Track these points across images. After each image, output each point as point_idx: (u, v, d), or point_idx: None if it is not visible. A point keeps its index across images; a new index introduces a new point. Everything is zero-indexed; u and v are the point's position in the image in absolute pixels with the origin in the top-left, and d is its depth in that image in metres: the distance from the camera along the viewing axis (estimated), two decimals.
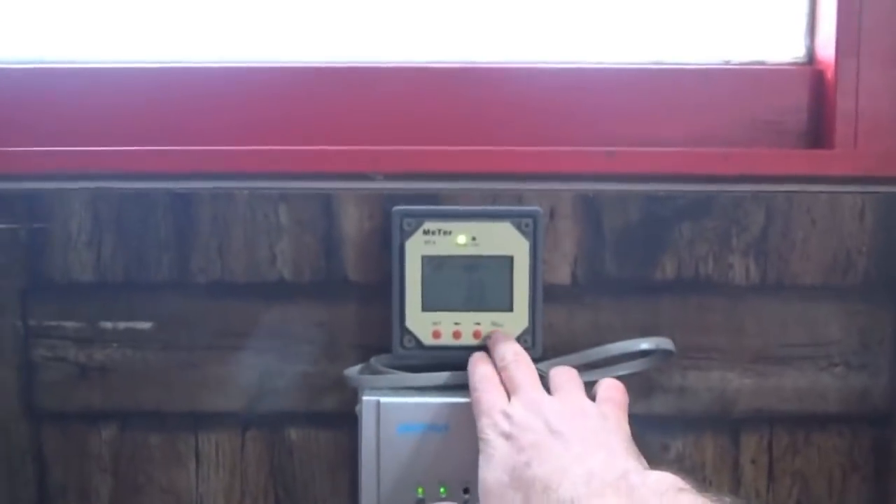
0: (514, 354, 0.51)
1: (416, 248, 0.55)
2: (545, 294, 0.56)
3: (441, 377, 0.53)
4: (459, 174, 0.60)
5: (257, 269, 0.59)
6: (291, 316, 0.59)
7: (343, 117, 0.62)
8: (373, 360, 0.57)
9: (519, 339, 0.55)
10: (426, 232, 0.55)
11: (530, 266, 0.55)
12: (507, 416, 0.47)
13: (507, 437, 0.45)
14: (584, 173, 0.60)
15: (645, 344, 0.54)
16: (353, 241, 0.59)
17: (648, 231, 0.59)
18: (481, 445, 0.47)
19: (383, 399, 0.52)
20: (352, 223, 0.59)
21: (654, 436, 0.59)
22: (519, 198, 0.59)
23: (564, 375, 0.51)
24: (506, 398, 0.48)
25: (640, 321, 0.59)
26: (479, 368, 0.51)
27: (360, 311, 0.59)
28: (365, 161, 0.60)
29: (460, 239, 0.55)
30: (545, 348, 0.56)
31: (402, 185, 0.59)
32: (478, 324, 0.55)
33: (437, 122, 0.62)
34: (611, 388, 0.50)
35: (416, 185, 0.60)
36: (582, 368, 0.56)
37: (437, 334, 0.55)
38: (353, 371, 0.56)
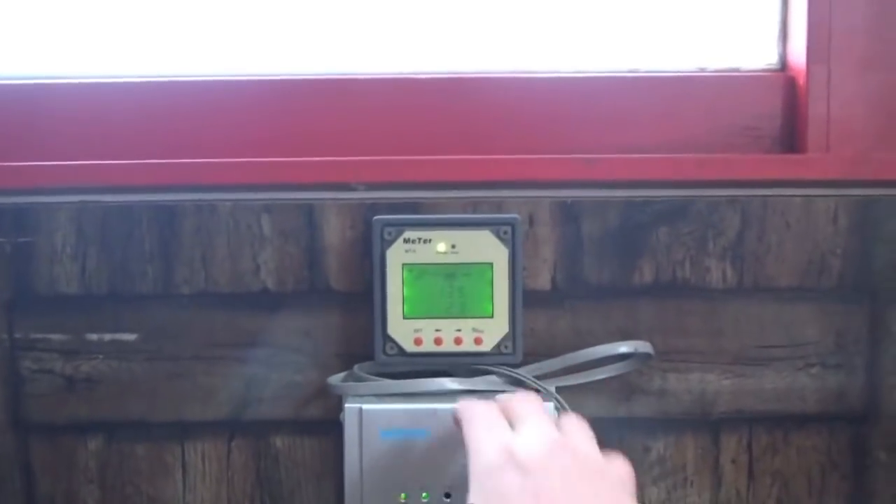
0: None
1: (397, 257, 0.56)
2: (526, 300, 0.57)
3: (423, 384, 0.54)
4: (439, 183, 0.61)
5: (241, 280, 0.60)
6: (275, 325, 0.60)
7: (324, 129, 0.63)
8: (356, 367, 0.57)
9: (500, 345, 0.56)
10: (407, 241, 0.56)
11: (510, 272, 0.56)
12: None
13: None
14: (564, 181, 0.60)
15: (624, 347, 0.55)
16: (336, 250, 0.60)
17: (627, 236, 0.60)
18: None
19: (365, 406, 0.52)
20: (334, 233, 0.60)
21: (635, 438, 0.60)
22: (499, 205, 0.60)
23: (529, 406, 0.46)
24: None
25: (620, 325, 0.59)
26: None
27: (344, 319, 0.60)
28: (347, 171, 0.60)
29: (440, 247, 0.56)
30: (526, 353, 0.57)
31: (384, 195, 0.60)
32: (459, 330, 0.56)
33: (417, 133, 0.63)
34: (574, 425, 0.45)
35: (397, 195, 0.60)
36: (563, 372, 0.57)
37: (418, 341, 0.56)
38: (336, 379, 0.57)
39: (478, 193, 0.60)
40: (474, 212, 0.60)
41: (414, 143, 0.63)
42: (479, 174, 0.60)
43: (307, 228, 0.60)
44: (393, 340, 0.56)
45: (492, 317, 0.56)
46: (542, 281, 0.60)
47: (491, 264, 0.56)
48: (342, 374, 0.58)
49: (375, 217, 0.56)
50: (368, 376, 0.55)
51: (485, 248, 0.56)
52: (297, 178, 0.61)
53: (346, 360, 0.59)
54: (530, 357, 0.57)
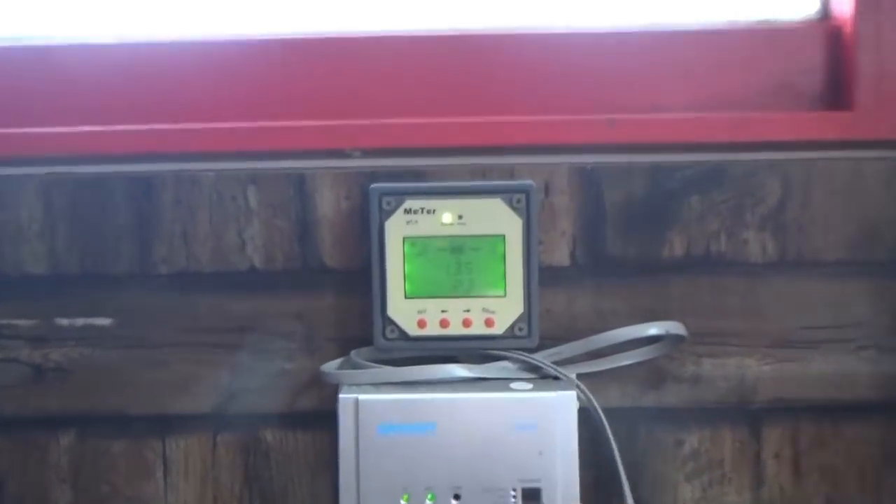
0: None
1: (398, 229, 0.50)
2: (542, 277, 0.51)
3: (428, 371, 0.48)
4: (445, 149, 0.55)
5: (226, 258, 0.54)
6: (264, 308, 0.54)
7: (317, 91, 0.57)
8: (353, 353, 0.52)
9: (513, 327, 0.50)
10: (408, 211, 0.50)
11: (524, 246, 0.50)
12: None
13: None
14: (583, 144, 0.54)
15: (654, 329, 0.49)
16: (330, 223, 0.54)
17: (654, 206, 0.53)
18: None
19: (362, 396, 0.47)
20: (328, 204, 0.54)
21: (666, 430, 0.53)
22: (510, 172, 0.54)
23: None
24: None
25: (648, 305, 0.53)
26: None
27: (339, 300, 0.54)
28: (341, 137, 0.54)
29: (445, 218, 0.50)
30: (543, 336, 0.51)
31: (383, 163, 0.54)
32: (467, 311, 0.50)
33: (421, 94, 0.57)
34: None
35: (398, 162, 0.54)
36: (585, 357, 0.51)
37: (422, 323, 0.50)
38: (331, 366, 0.51)
39: (487, 160, 0.54)
40: (483, 179, 0.54)
41: (416, 106, 0.57)
42: (488, 138, 0.54)
43: (298, 200, 0.54)
44: (394, 323, 0.50)
45: (504, 296, 0.50)
46: (560, 256, 0.53)
47: (503, 237, 0.50)
48: (338, 361, 0.52)
49: (373, 185, 0.50)
50: (367, 363, 0.50)
51: (496, 218, 0.50)
52: (286, 145, 0.55)
53: (343, 346, 0.53)
54: (547, 341, 0.51)
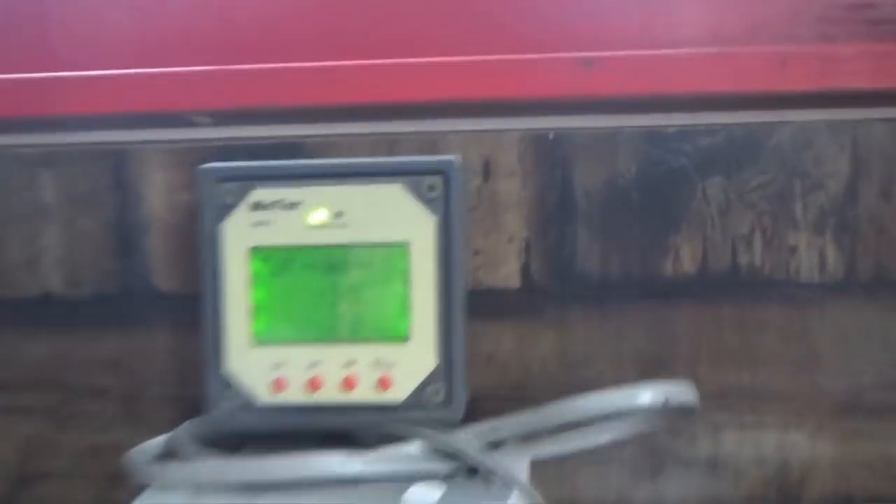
0: None
1: (241, 234, 0.32)
2: (477, 307, 0.33)
3: (281, 465, 0.30)
4: (335, 109, 0.36)
5: (8, 279, 0.36)
6: (64, 353, 0.36)
7: (134, 26, 0.39)
8: (183, 427, 0.33)
9: (423, 389, 0.31)
10: (257, 206, 0.32)
11: (439, 259, 0.31)
12: None
13: None
14: (544, 99, 0.36)
15: (646, 395, 0.31)
16: (163, 226, 0.36)
17: (652, 194, 0.35)
18: None
19: None
20: (159, 197, 0.36)
21: None
22: (433, 145, 0.35)
23: None
24: None
25: (639, 347, 0.35)
26: None
27: (177, 340, 0.36)
28: (177, 94, 0.36)
29: (316, 216, 0.32)
30: (478, 397, 0.33)
31: (239, 133, 0.36)
32: (350, 365, 0.32)
33: (299, 27, 0.38)
34: None
35: (263, 132, 0.36)
36: (541, 434, 0.33)
37: (279, 385, 0.32)
38: (143, 452, 0.33)
39: (398, 126, 0.36)
40: (390, 155, 0.35)
41: (292, 46, 0.38)
42: (399, 91, 0.36)
43: (115, 190, 0.36)
44: (235, 382, 0.32)
45: (407, 340, 0.31)
46: (506, 273, 0.35)
47: (406, 245, 0.31)
48: (163, 438, 0.34)
49: (203, 166, 0.32)
50: (191, 448, 0.32)
51: (396, 215, 0.31)
52: (95, 108, 0.36)
53: (183, 409, 0.36)
54: (484, 406, 0.33)
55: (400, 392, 0.31)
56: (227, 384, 0.32)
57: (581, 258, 0.35)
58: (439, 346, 0.31)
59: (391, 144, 0.36)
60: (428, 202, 0.31)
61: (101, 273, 0.36)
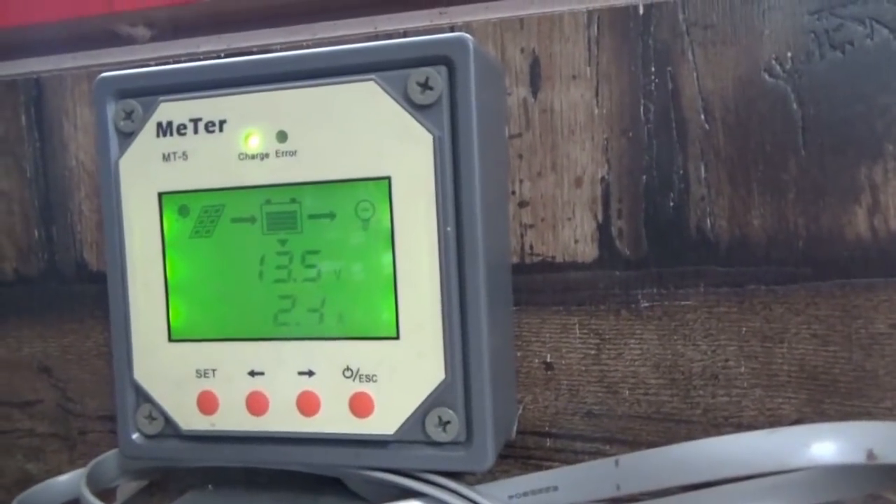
0: None
1: (145, 174, 0.21)
2: (531, 287, 0.20)
3: None
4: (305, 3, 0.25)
5: None
6: None
7: None
8: (93, 465, 0.23)
9: (424, 416, 0.19)
10: (167, 129, 0.21)
11: (441, 205, 0.19)
12: None
13: None
14: None
15: (828, 444, 0.17)
16: (94, 182, 0.26)
17: (817, 110, 0.21)
18: None
19: None
20: (86, 140, 0.26)
21: None
22: (449, 30, 0.23)
23: None
24: None
25: (802, 353, 0.21)
26: None
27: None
28: None
29: (253, 141, 0.20)
30: (527, 430, 0.21)
31: (188, 49, 0.26)
32: (308, 375, 0.20)
33: None
34: None
35: (217, 45, 0.25)
36: (643, 499, 0.20)
37: (208, 403, 0.21)
38: (34, 496, 0.23)
39: (391, 24, 0.24)
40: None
41: None
42: None
43: (33, 133, 0.27)
44: (149, 395, 0.21)
45: (394, 338, 0.19)
46: (574, 236, 0.22)
47: (385, 182, 0.19)
48: (67, 477, 0.24)
49: (100, 76, 0.22)
50: (107, 482, 0.21)
51: (369, 135, 0.19)
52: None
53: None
54: (538, 447, 0.21)
55: (386, 420, 0.19)
56: (142, 397, 0.21)
57: (695, 211, 0.21)
58: (448, 349, 0.19)
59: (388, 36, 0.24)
60: (420, 110, 0.19)
61: (18, 247, 0.27)
